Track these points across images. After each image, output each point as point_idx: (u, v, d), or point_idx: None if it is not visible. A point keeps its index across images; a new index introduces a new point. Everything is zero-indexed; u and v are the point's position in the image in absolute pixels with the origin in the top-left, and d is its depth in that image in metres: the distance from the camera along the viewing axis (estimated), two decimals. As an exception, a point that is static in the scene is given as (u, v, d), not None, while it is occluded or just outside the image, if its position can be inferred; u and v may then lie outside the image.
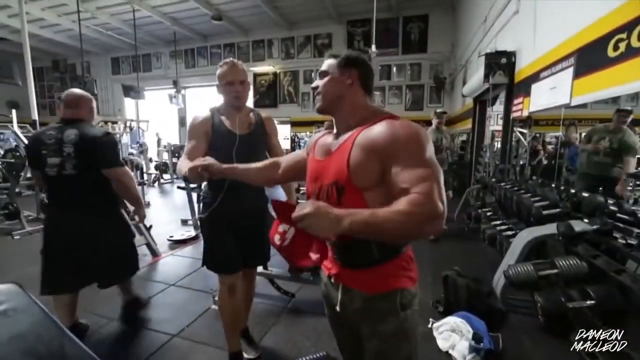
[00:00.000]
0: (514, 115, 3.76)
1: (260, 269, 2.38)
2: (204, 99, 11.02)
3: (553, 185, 2.75)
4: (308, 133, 8.23)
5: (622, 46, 1.99)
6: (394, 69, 8.72)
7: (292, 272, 2.24)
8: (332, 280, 0.93)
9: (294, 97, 9.90)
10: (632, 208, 1.82)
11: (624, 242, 1.76)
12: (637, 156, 3.12)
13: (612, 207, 1.89)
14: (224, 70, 1.49)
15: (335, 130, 0.93)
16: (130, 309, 2.17)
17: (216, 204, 1.52)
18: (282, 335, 1.98)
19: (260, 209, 1.70)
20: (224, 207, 1.52)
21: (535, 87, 3.09)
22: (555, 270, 1.78)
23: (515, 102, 3.64)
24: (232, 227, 1.56)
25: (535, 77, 3.07)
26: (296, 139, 9.72)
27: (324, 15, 8.72)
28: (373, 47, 5.65)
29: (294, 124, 9.85)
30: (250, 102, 10.72)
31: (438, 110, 4.24)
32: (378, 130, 0.79)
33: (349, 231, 0.67)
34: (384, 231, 0.68)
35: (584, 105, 2.80)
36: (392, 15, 8.39)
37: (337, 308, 0.90)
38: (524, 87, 3.38)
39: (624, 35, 1.96)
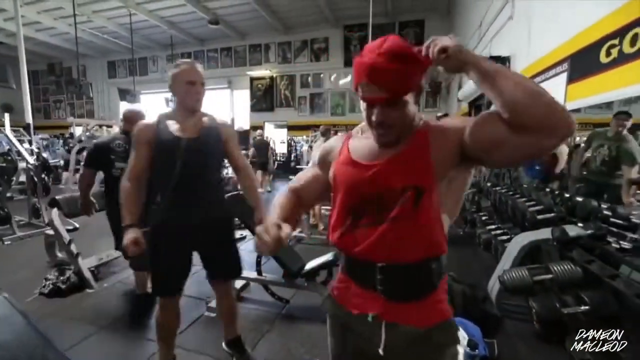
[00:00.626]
0: (508, 119, 3.77)
1: (254, 274, 2.36)
2: (200, 102, 11.01)
3: (548, 190, 2.76)
4: (305, 137, 8.24)
5: (614, 52, 2.01)
6: (390, 74, 8.79)
7: (286, 278, 2.22)
8: (370, 319, 0.77)
9: (290, 101, 9.93)
10: (626, 212, 1.82)
11: (617, 246, 1.76)
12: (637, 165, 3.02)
13: (605, 212, 1.89)
14: (185, 69, 1.38)
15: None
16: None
17: (162, 214, 1.37)
18: (276, 342, 1.95)
19: (224, 216, 1.56)
20: (172, 215, 1.38)
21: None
22: (550, 276, 1.78)
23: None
24: (189, 239, 1.43)
25: (529, 82, 3.09)
26: (292, 142, 9.72)
27: (321, 19, 8.78)
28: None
29: (291, 127, 9.86)
30: (247, 106, 10.84)
31: (439, 114, 4.16)
32: (451, 119, 0.80)
33: (478, 63, 0.64)
34: (514, 80, 0.61)
35: (577, 110, 2.82)
36: (389, 21, 8.47)
37: (381, 351, 0.75)
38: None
39: (616, 42, 1.98)
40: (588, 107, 3.31)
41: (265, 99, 10.18)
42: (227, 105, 10.85)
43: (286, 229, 0.73)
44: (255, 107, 10.28)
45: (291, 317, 2.21)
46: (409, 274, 0.74)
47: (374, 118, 0.72)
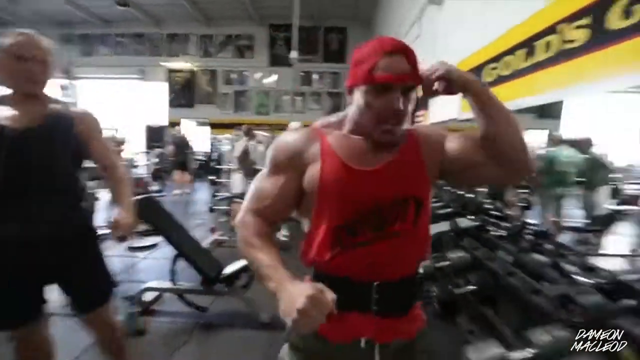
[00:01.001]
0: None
1: (168, 284, 2.16)
2: (103, 92, 9.64)
3: (447, 188, 3.17)
4: (228, 136, 7.86)
5: (494, 74, 2.43)
6: (315, 76, 9.01)
7: (204, 285, 2.09)
8: (363, 344, 0.68)
9: (212, 98, 9.39)
10: (501, 206, 2.21)
11: (496, 234, 2.13)
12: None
13: (487, 206, 2.26)
14: (16, 40, 1.08)
15: (358, 135, 0.71)
16: None
17: None
18: (195, 354, 1.83)
19: (75, 228, 1.21)
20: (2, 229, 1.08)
21: (432, 102, 3.53)
22: (448, 262, 2.04)
23: (418, 114, 4.11)
24: (26, 254, 1.11)
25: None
26: (215, 141, 9.24)
27: (245, 15, 8.54)
28: (294, 53, 5.75)
29: (213, 125, 9.34)
30: (165, 101, 9.88)
31: None
32: (430, 127, 0.78)
33: (482, 89, 0.66)
34: (503, 109, 0.66)
35: (469, 120, 3.32)
36: (314, 24, 8.67)
37: None
38: (424, 102, 3.83)
39: (496, 65, 2.39)
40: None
41: (184, 93, 9.44)
42: (140, 97, 9.75)
43: (330, 294, 0.55)
44: (173, 102, 9.45)
45: (210, 325, 2.09)
46: (403, 289, 0.70)
47: (394, 105, 0.63)
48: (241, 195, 3.89)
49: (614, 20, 1.36)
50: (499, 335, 1.46)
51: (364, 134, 0.70)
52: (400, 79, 0.63)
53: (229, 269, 2.08)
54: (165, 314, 2.20)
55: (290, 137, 0.73)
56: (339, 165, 0.66)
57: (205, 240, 3.37)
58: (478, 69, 2.62)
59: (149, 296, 2.22)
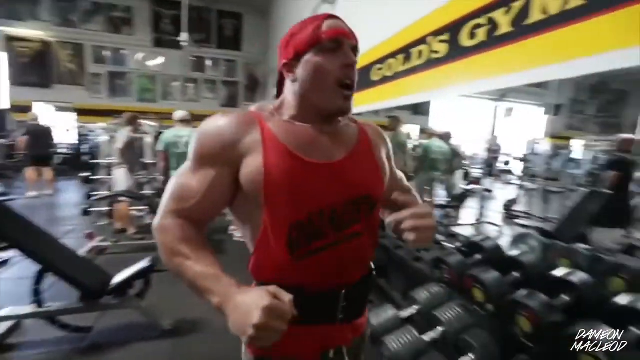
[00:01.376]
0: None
1: (30, 308, 1.74)
2: None
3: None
4: (103, 125, 6.57)
5: (380, 74, 2.74)
6: (209, 62, 8.40)
7: (85, 301, 1.77)
8: (332, 354, 0.64)
9: (78, 78, 7.73)
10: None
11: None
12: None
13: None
14: None
15: (301, 122, 0.63)
16: None
17: None
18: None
19: None
20: None
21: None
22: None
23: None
24: None
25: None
26: (85, 131, 7.68)
27: (120, -17, 7.28)
28: (184, 35, 5.24)
29: (81, 112, 7.73)
30: (3, 77, 7.65)
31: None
32: (377, 127, 0.75)
33: None
34: None
35: (360, 114, 3.67)
36: (206, 5, 8.02)
37: None
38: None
39: (382, 66, 2.70)
40: (367, 112, 4.36)
41: (35, 70, 7.46)
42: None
43: (286, 296, 0.48)
44: (19, 80, 7.38)
45: (96, 347, 1.78)
46: (363, 289, 0.67)
47: (349, 58, 0.60)
48: (126, 193, 3.38)
49: (464, 39, 1.71)
50: (392, 299, 1.72)
51: (311, 116, 0.63)
52: (349, 34, 0.61)
53: (118, 278, 1.81)
54: (29, 345, 1.77)
55: (221, 122, 0.60)
56: (286, 156, 0.57)
57: (82, 248, 2.83)
58: (367, 69, 2.92)
59: (1, 328, 1.75)
